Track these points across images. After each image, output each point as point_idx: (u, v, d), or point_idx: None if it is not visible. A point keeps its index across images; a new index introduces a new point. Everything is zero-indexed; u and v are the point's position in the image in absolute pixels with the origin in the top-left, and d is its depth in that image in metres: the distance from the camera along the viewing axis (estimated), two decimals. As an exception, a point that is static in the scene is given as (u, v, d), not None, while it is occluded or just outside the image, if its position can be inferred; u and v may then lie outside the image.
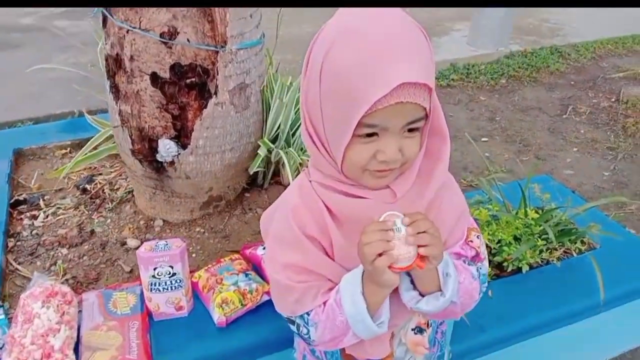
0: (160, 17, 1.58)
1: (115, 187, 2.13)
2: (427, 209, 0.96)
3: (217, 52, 1.63)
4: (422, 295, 0.95)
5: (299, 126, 2.00)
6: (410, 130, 0.86)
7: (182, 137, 1.72)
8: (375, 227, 0.85)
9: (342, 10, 0.87)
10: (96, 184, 2.15)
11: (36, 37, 4.78)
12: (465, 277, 1.00)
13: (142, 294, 1.49)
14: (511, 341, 1.66)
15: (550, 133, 3.73)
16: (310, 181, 0.98)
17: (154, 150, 1.73)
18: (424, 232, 0.84)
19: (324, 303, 0.97)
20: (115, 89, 1.73)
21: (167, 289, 1.43)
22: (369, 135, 0.84)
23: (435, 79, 0.88)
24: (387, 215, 0.86)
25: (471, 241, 1.07)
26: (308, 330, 0.99)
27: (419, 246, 0.85)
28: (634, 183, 3.22)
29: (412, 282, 0.96)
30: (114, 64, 1.70)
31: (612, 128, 3.79)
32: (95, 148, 2.07)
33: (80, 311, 1.47)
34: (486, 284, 1.09)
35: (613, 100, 4.15)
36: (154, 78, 1.65)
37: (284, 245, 0.98)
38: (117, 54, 1.68)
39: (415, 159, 0.92)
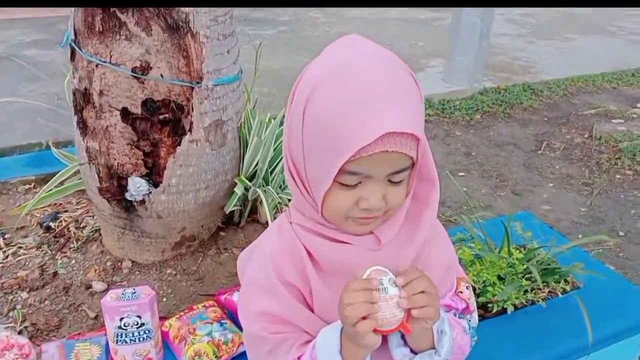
0: (132, 51, 1.52)
1: (81, 225, 2.02)
2: (415, 258, 0.91)
3: (192, 88, 1.57)
4: (414, 353, 0.88)
5: (277, 163, 1.94)
6: (395, 179, 0.81)
7: (153, 175, 1.64)
8: (359, 286, 0.79)
9: (329, 49, 0.83)
10: (61, 221, 2.04)
11: (3, 66, 4.66)
12: (458, 332, 0.94)
13: (107, 344, 1.38)
14: (499, 386, 1.60)
15: (526, 168, 3.76)
16: (290, 223, 0.92)
17: (123, 188, 1.65)
18: (420, 292, 0.78)
19: (299, 358, 0.90)
20: (82, 125, 1.65)
21: (135, 341, 1.33)
22: (352, 183, 0.79)
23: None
24: (372, 271, 0.80)
25: (461, 292, 1.02)
26: None
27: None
28: (610, 219, 3.24)
29: (403, 336, 0.89)
30: (82, 99, 1.62)
31: (586, 164, 3.83)
32: (61, 184, 1.96)
33: (38, 365, 1.35)
34: (475, 338, 1.05)
35: (586, 136, 4.22)
36: (125, 114, 1.58)
37: (259, 291, 0.92)
38: (85, 89, 1.60)
39: (401, 206, 0.87)
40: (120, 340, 1.32)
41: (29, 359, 1.31)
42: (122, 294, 1.30)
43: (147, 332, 1.32)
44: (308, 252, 0.88)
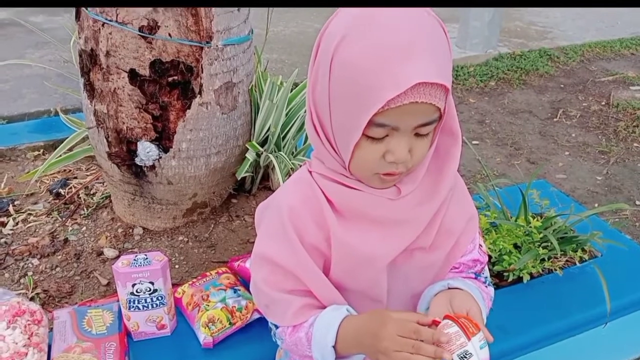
0: (139, 9, 1.45)
1: (91, 192, 2.00)
2: (436, 212, 0.89)
3: (201, 48, 1.51)
4: None
5: (289, 128, 1.88)
6: (422, 132, 0.78)
7: (163, 140, 1.60)
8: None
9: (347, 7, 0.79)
10: (71, 188, 2.01)
11: (10, 32, 4.58)
12: (488, 304, 0.96)
13: (119, 311, 1.36)
14: (514, 354, 1.57)
15: (541, 136, 3.67)
16: (310, 172, 0.90)
17: (132, 153, 1.60)
18: None
19: (294, 327, 0.90)
20: (90, 87, 1.60)
21: (147, 307, 1.31)
22: (379, 135, 0.77)
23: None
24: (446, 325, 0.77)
25: (481, 245, 1.03)
26: (275, 333, 0.96)
27: None
28: (627, 188, 3.16)
29: None
30: (89, 60, 1.57)
31: (603, 132, 3.73)
32: (70, 149, 1.93)
33: (51, 330, 1.34)
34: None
35: (603, 103, 4.11)
36: (133, 75, 1.53)
37: (270, 237, 0.91)
38: (91, 49, 1.54)
39: (424, 160, 0.85)
40: (133, 307, 1.30)
41: (40, 325, 1.30)
42: (134, 260, 1.27)
43: (159, 298, 1.30)
44: (328, 199, 0.87)
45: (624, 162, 3.39)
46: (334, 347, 0.84)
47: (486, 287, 1.02)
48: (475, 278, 1.02)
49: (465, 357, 0.75)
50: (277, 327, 0.94)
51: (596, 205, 2.89)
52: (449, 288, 0.92)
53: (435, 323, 0.79)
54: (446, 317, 0.81)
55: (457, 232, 0.93)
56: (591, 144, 3.57)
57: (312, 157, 0.91)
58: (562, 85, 4.40)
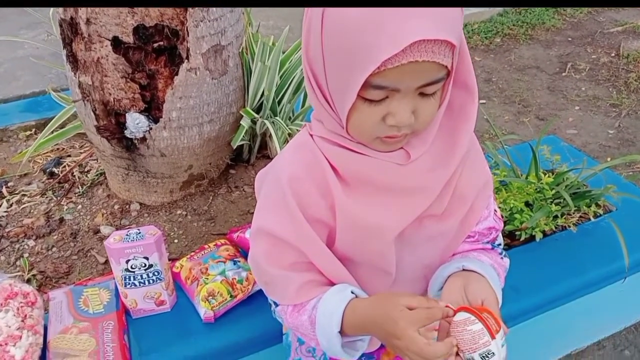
0: (117, -31, 1.36)
1: (85, 170, 1.94)
2: (450, 178, 0.81)
3: (185, 10, 1.42)
4: None
5: (285, 92, 1.80)
6: (427, 91, 0.69)
7: (152, 110, 1.52)
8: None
9: None
10: (64, 166, 1.95)
11: (2, 14, 4.48)
12: (502, 277, 0.91)
13: (117, 289, 1.31)
14: (529, 315, 1.53)
15: (550, 92, 3.56)
16: (311, 135, 0.82)
17: (121, 125, 1.53)
18: None
19: (295, 306, 0.84)
20: (73, 59, 1.52)
21: (144, 283, 1.26)
22: (377, 97, 0.68)
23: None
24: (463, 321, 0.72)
25: (496, 211, 0.96)
26: (274, 310, 0.92)
27: None
28: (640, 140, 3.06)
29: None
30: (69, 30, 1.49)
31: (613, 84, 3.61)
32: (62, 127, 1.86)
33: (46, 312, 1.30)
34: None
35: (613, 55, 3.97)
36: (116, 43, 1.45)
37: (270, 208, 0.84)
38: (71, 18, 1.46)
39: (433, 120, 0.76)
40: (129, 284, 1.25)
41: (35, 306, 1.25)
42: (127, 235, 1.21)
43: (156, 273, 1.25)
44: (331, 165, 0.79)
45: (636, 114, 3.28)
46: (339, 332, 0.79)
47: (501, 259, 0.95)
48: (492, 249, 0.95)
49: (487, 357, 0.70)
50: (276, 304, 0.88)
51: (609, 159, 2.81)
52: (464, 270, 0.86)
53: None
54: (463, 309, 0.75)
55: (471, 198, 0.85)
56: (602, 97, 3.46)
57: (312, 119, 0.83)
58: (569, 39, 4.25)
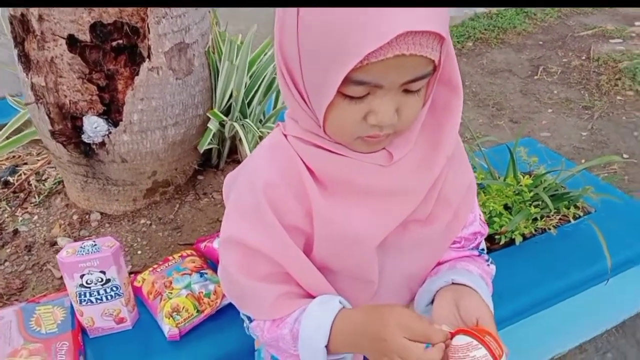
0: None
1: (42, 178, 1.82)
2: (436, 180, 0.75)
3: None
4: None
5: (255, 92, 1.72)
6: (412, 88, 0.64)
7: (112, 113, 1.43)
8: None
9: None
10: (20, 175, 1.83)
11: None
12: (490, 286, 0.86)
13: (72, 306, 1.21)
14: (512, 320, 1.49)
15: (522, 95, 3.57)
16: (285, 136, 0.75)
17: (78, 130, 1.43)
18: None
19: (274, 321, 0.77)
20: (25, 59, 1.41)
21: (102, 300, 1.16)
22: (358, 94, 0.62)
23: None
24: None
25: (480, 215, 0.91)
26: (248, 327, 0.84)
27: None
28: (613, 142, 3.09)
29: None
30: (21, 28, 1.38)
31: (585, 87, 3.65)
32: (18, 132, 1.74)
33: (-5, 333, 1.18)
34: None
35: (584, 58, 4.01)
36: (72, 42, 1.35)
37: (241, 216, 0.76)
38: (22, 15, 1.36)
39: (416, 119, 0.71)
40: (84, 300, 1.15)
41: (-21, 327, 1.14)
42: (81, 247, 1.11)
43: (114, 289, 1.15)
44: (308, 168, 0.72)
45: (608, 115, 3.31)
46: (325, 346, 0.71)
47: (488, 266, 0.90)
48: (479, 255, 0.91)
49: None
50: (250, 320, 0.80)
51: (583, 161, 2.81)
52: (453, 283, 0.79)
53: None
54: (462, 332, 0.68)
55: (456, 202, 0.80)
56: (574, 99, 3.48)
57: (286, 117, 0.76)
58: (540, 42, 4.29)
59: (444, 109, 0.73)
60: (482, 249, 0.93)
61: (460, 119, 0.74)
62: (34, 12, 1.34)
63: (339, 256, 0.75)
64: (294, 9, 0.61)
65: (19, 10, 1.37)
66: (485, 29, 4.40)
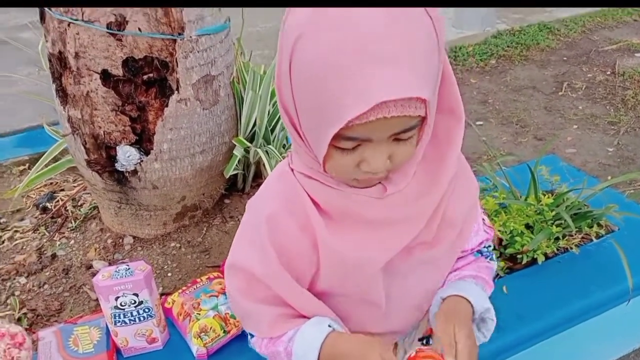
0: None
1: (78, 204, 1.92)
2: (437, 206, 0.78)
3: (174, 41, 1.42)
4: None
5: (277, 120, 1.79)
6: (402, 137, 0.66)
7: (143, 142, 1.51)
8: None
9: None
10: (58, 201, 1.93)
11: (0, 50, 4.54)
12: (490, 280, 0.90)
13: (107, 327, 1.28)
14: (533, 340, 1.49)
15: (547, 112, 3.55)
16: (292, 169, 0.79)
17: (112, 159, 1.52)
18: None
19: (271, 339, 0.83)
20: (62, 92, 1.51)
21: (135, 321, 1.22)
22: (349, 147, 0.65)
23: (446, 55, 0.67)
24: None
25: (484, 220, 0.94)
26: (250, 340, 0.90)
27: None
28: (640, 157, 3.04)
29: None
30: (58, 64, 1.48)
31: (611, 102, 3.61)
32: (56, 160, 1.85)
33: (36, 352, 1.26)
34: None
35: (609, 73, 3.98)
36: (105, 76, 1.44)
37: (247, 244, 0.83)
38: (59, 52, 1.46)
39: (411, 158, 0.73)
40: (119, 321, 1.22)
41: (22, 348, 1.21)
42: (115, 271, 1.18)
43: (146, 310, 1.21)
44: (312, 199, 0.77)
45: (635, 131, 3.27)
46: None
47: (488, 262, 0.94)
48: (481, 255, 0.94)
49: None
50: (252, 336, 0.87)
51: (609, 177, 2.78)
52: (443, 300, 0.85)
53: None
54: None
55: (461, 221, 0.83)
56: (599, 115, 3.45)
57: (292, 152, 0.80)
58: (564, 58, 4.27)
59: (446, 139, 0.75)
60: (487, 247, 0.96)
61: (461, 142, 0.76)
62: (70, 49, 1.43)
63: (343, 281, 0.80)
64: (287, 65, 0.63)
65: (57, 48, 1.47)
66: (508, 46, 4.40)
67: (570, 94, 3.74)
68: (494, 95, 3.77)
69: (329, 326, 0.78)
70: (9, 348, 1.19)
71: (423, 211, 0.77)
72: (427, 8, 0.61)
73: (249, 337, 0.89)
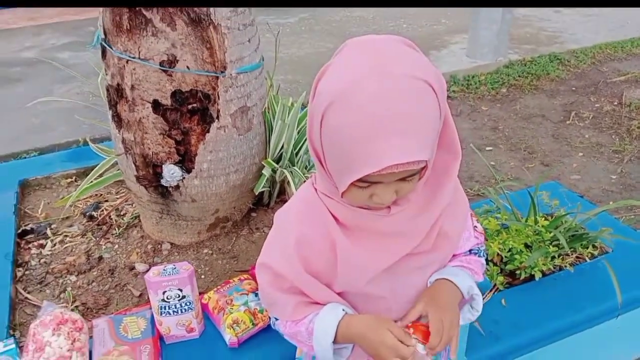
0: (158, 45, 1.60)
1: (121, 213, 2.15)
2: (433, 224, 0.98)
3: (217, 78, 1.65)
4: None
5: (302, 145, 2.01)
6: (407, 179, 0.86)
7: (186, 162, 1.74)
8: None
9: (350, 45, 0.84)
10: (102, 210, 2.16)
11: (38, 70, 4.84)
12: (477, 271, 1.10)
13: (152, 317, 1.49)
14: (527, 349, 1.64)
15: (554, 139, 3.71)
16: (316, 189, 0.99)
17: (158, 175, 1.75)
18: None
19: (294, 322, 1.02)
20: (117, 118, 1.75)
21: (177, 312, 1.43)
22: (364, 186, 0.86)
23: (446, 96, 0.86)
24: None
25: (476, 227, 1.12)
26: (274, 323, 1.10)
27: None
28: (642, 185, 3.18)
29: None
30: (115, 94, 1.72)
31: (616, 131, 3.76)
32: (100, 175, 2.08)
33: (91, 337, 1.47)
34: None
35: (616, 103, 4.13)
36: (156, 105, 1.67)
37: (275, 250, 1.02)
38: (117, 84, 1.70)
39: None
40: (164, 312, 1.43)
41: (82, 331, 1.43)
42: (164, 270, 1.40)
43: (188, 303, 1.42)
44: (333, 215, 0.96)
45: (639, 160, 3.41)
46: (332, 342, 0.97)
47: (478, 257, 1.12)
48: (470, 253, 1.13)
49: None
50: (277, 319, 1.07)
51: (611, 203, 2.93)
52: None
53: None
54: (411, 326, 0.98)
55: (456, 234, 1.03)
56: (605, 144, 3.60)
57: (317, 175, 0.99)
58: (573, 88, 4.44)
59: (444, 172, 0.95)
60: (478, 248, 1.14)
61: (457, 174, 0.96)
62: (127, 82, 1.67)
63: (354, 279, 0.99)
64: (319, 119, 0.81)
65: (116, 81, 1.71)
66: (519, 76, 4.59)
67: (577, 123, 3.90)
68: (504, 122, 3.94)
69: (343, 310, 0.98)
70: (71, 331, 1.40)
71: (421, 226, 0.96)
72: (431, 83, 0.78)
73: (272, 320, 1.09)
